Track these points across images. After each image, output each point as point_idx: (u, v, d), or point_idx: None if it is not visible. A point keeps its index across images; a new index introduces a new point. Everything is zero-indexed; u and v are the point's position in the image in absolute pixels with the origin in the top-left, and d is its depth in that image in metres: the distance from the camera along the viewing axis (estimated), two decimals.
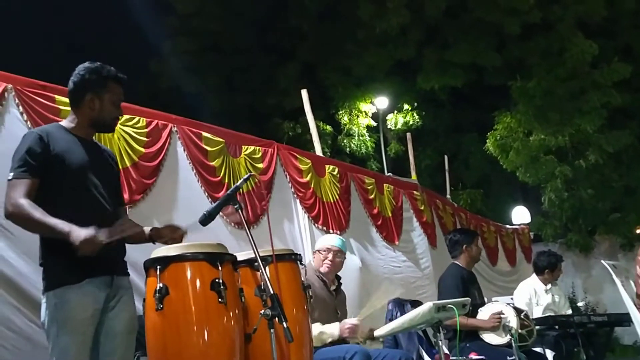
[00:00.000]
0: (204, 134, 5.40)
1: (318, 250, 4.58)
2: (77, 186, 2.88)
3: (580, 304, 10.19)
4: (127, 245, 3.82)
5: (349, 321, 4.24)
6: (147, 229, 3.13)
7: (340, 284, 4.67)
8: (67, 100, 4.19)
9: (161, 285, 2.73)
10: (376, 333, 4.27)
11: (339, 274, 4.65)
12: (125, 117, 4.61)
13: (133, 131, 4.72)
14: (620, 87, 15.11)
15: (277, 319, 2.69)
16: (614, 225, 15.20)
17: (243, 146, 5.80)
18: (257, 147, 5.96)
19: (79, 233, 2.63)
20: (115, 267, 2.97)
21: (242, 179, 3.07)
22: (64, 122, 3.08)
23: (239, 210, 2.94)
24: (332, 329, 4.19)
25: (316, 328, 4.13)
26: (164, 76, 19.16)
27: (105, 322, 2.87)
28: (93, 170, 2.96)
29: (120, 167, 4.43)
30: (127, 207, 4.36)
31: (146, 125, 4.87)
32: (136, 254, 4.07)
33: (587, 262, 15.65)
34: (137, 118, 4.80)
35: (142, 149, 4.77)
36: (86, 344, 2.77)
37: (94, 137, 3.18)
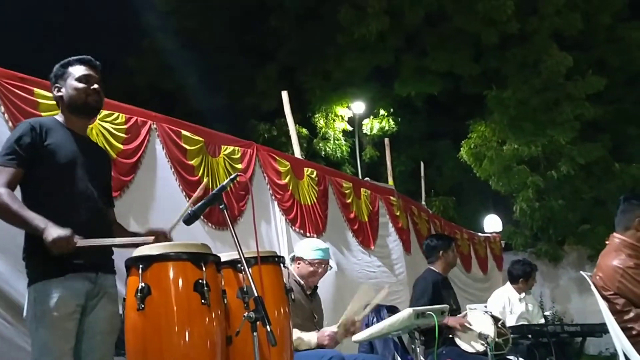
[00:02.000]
0: (184, 132, 5.34)
1: (305, 260, 4.45)
2: (66, 180, 2.84)
3: (547, 313, 10.28)
4: None
5: (328, 329, 4.21)
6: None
7: (316, 287, 4.64)
8: (45, 93, 4.15)
9: (143, 284, 2.67)
10: (354, 338, 4.25)
11: None
12: (104, 112, 4.54)
13: (112, 127, 4.64)
14: (593, 100, 15.34)
15: (260, 322, 2.65)
16: (583, 236, 15.40)
17: (222, 146, 5.74)
18: (237, 148, 5.91)
19: (52, 231, 2.60)
20: (101, 264, 2.92)
21: (228, 179, 3.03)
22: (59, 117, 3.05)
23: (224, 211, 2.89)
24: (310, 337, 4.15)
25: (294, 334, 4.10)
26: (141, 73, 18.99)
27: (87, 321, 2.82)
28: (84, 165, 2.92)
29: None
30: None
31: (125, 122, 4.79)
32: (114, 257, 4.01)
33: (555, 271, 15.85)
34: (116, 114, 4.72)
35: (121, 146, 4.69)
36: (67, 339, 2.72)
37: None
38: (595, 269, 4.08)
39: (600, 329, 5.30)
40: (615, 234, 4.04)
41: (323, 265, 4.47)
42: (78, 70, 2.99)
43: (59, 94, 3.01)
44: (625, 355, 3.75)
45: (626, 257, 3.84)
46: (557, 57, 15.14)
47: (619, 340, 3.76)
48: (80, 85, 2.97)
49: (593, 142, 15.41)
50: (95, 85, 3.00)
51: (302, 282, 4.46)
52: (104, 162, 3.20)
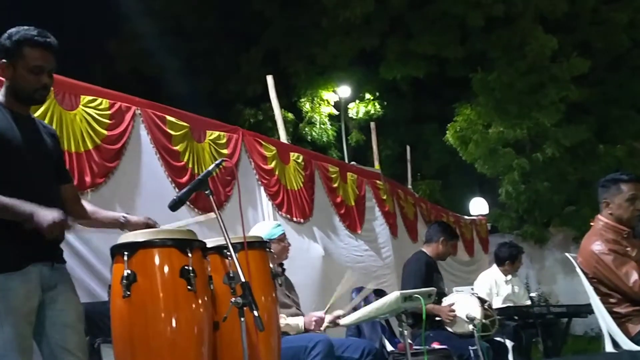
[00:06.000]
0: (168, 117, 5.28)
1: (273, 240, 4.53)
2: (12, 166, 2.68)
3: (533, 294, 10.36)
4: (90, 231, 3.72)
5: (315, 314, 4.25)
6: (117, 215, 3.04)
7: (284, 269, 4.71)
8: None
9: (129, 271, 2.65)
10: (342, 322, 4.27)
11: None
12: (88, 98, 4.49)
13: (95, 113, 4.59)
14: (578, 82, 15.39)
15: (247, 307, 2.64)
16: (569, 218, 15.51)
17: (207, 131, 5.69)
18: (222, 133, 5.86)
19: (45, 214, 2.52)
20: (55, 254, 2.83)
21: (214, 164, 3.01)
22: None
23: (210, 196, 2.87)
24: (297, 321, 4.23)
25: (282, 320, 4.13)
26: (123, 58, 18.81)
27: (50, 313, 2.73)
28: (29, 148, 2.77)
29: (82, 149, 4.35)
30: (89, 190, 4.27)
31: (109, 107, 4.73)
32: (98, 241, 3.99)
33: (541, 253, 15.97)
34: (99, 100, 4.67)
35: (105, 132, 4.63)
36: (30, 332, 2.64)
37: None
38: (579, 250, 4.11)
39: (586, 310, 5.34)
40: (598, 215, 4.07)
41: (286, 240, 4.71)
42: (33, 57, 2.73)
43: (5, 72, 2.77)
44: (610, 335, 3.79)
45: (603, 242, 3.85)
46: (542, 40, 15.15)
47: (604, 321, 3.80)
48: (31, 77, 2.74)
49: (578, 124, 15.48)
50: (45, 81, 2.79)
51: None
52: (49, 137, 2.98)
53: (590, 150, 15.97)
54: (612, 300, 3.83)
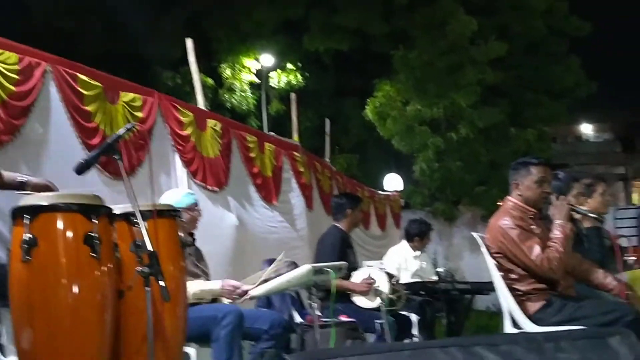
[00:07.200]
0: (80, 76, 5.07)
1: (185, 208, 4.38)
2: None
3: (440, 269, 10.68)
4: None
5: (233, 282, 4.20)
6: (17, 176, 2.89)
7: (194, 239, 4.60)
8: None
9: (30, 235, 2.55)
10: (252, 293, 4.24)
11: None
12: None
13: (3, 67, 4.36)
14: (495, 66, 15.77)
15: (153, 277, 2.59)
16: (478, 198, 15.97)
17: (122, 92, 5.49)
18: (137, 95, 5.67)
19: None
20: None
21: (124, 128, 2.92)
22: None
23: (119, 162, 2.78)
24: (213, 285, 4.15)
25: (198, 285, 4.07)
26: (39, 13, 17.94)
27: None
28: None
29: None
30: None
31: (18, 62, 4.50)
32: (2, 200, 3.81)
33: (450, 230, 16.41)
34: (7, 53, 4.42)
35: (13, 87, 4.41)
36: None
37: None
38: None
39: (489, 287, 5.52)
40: (508, 196, 4.20)
41: (198, 208, 4.55)
42: None
43: None
44: (510, 314, 3.93)
45: (510, 219, 3.99)
46: (463, 21, 15.41)
47: (505, 298, 3.94)
48: None
49: (492, 107, 15.89)
50: None
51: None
52: None
53: (503, 132, 16.45)
54: (513, 276, 3.97)
